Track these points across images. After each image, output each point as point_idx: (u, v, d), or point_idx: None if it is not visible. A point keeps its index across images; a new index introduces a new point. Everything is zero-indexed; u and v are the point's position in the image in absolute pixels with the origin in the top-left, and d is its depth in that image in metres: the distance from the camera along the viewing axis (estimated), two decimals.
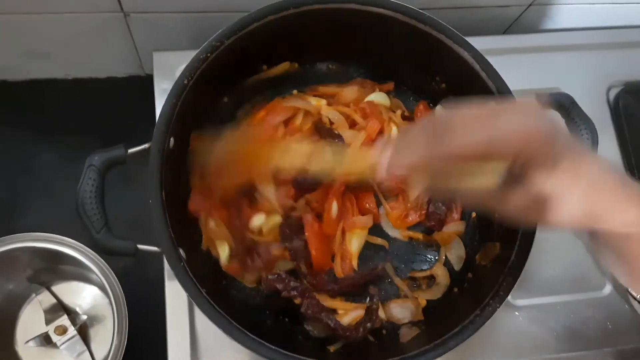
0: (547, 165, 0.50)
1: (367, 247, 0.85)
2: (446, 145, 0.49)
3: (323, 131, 0.81)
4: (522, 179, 0.51)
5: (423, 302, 0.82)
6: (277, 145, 0.67)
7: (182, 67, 0.73)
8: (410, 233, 0.86)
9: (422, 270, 0.85)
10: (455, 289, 0.82)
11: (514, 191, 0.52)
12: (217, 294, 0.72)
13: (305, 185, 0.77)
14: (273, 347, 0.66)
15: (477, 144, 0.48)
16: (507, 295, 0.70)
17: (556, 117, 0.77)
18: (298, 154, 0.64)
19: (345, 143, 0.80)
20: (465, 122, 0.50)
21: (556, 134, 0.50)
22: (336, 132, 0.81)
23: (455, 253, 0.84)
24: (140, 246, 0.68)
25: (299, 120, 0.85)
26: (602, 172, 0.52)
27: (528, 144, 0.49)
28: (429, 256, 0.86)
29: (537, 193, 0.51)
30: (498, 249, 0.77)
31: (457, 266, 0.84)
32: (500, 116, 0.49)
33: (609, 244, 0.57)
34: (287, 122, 0.85)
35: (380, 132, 0.83)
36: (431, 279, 0.85)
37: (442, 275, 0.84)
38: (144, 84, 1.00)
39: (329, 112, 0.85)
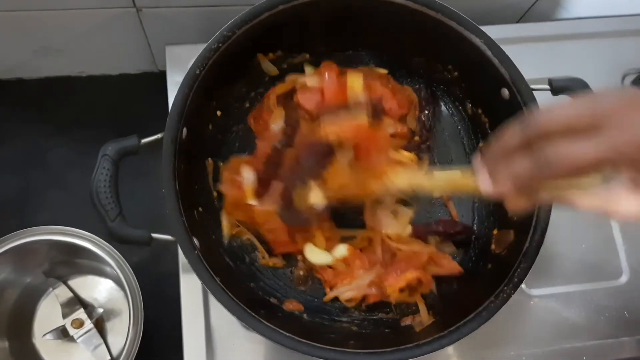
0: None
1: None
2: (550, 166, 0.44)
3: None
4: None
5: None
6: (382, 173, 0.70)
7: None
8: None
9: None
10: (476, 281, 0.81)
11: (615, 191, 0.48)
12: (231, 284, 0.73)
13: None
14: (287, 335, 0.66)
15: (586, 162, 0.43)
16: (521, 282, 0.70)
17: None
18: (400, 179, 0.68)
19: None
20: (567, 137, 0.43)
21: None
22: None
23: None
24: (154, 235, 0.68)
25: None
26: None
27: None
28: None
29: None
30: (512, 236, 0.76)
31: None
32: (613, 122, 0.42)
33: None
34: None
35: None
36: None
37: None
38: (157, 81, 1.01)
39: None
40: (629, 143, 0.42)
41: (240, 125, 0.87)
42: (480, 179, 0.53)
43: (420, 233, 0.82)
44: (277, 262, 0.82)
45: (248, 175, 0.77)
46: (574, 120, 0.44)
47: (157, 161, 0.70)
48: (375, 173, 0.70)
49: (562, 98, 0.75)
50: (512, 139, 0.48)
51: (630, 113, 0.42)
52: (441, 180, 0.64)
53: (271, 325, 0.67)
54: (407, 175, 0.68)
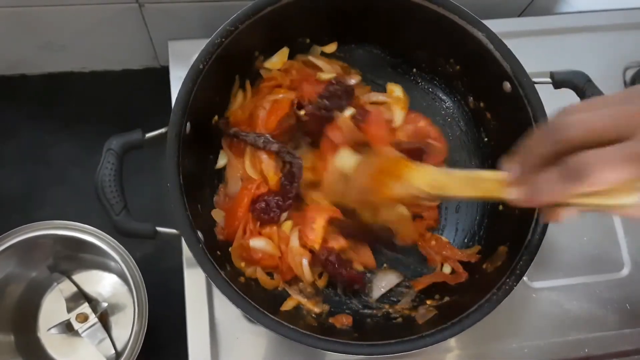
0: None
1: None
2: (580, 177, 0.43)
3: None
4: None
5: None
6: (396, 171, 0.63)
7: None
8: None
9: None
10: (476, 276, 0.81)
11: None
12: (235, 279, 0.73)
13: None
14: (291, 327, 0.67)
15: (614, 174, 0.42)
16: (523, 274, 0.70)
17: (570, 96, 0.76)
18: (420, 177, 0.61)
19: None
20: (594, 146, 0.43)
21: None
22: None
23: None
24: (159, 228, 0.68)
25: None
26: None
27: None
28: None
29: None
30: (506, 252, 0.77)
31: None
32: None
33: None
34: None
35: None
36: None
37: None
38: (159, 76, 1.01)
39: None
40: None
41: None
42: (510, 187, 0.52)
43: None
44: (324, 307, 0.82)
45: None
46: (600, 128, 0.43)
47: (161, 156, 0.70)
48: (394, 175, 0.63)
49: (564, 92, 0.76)
50: (539, 147, 0.47)
51: None
52: (469, 181, 0.58)
53: (275, 318, 0.67)
54: (427, 173, 0.61)
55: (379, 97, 0.89)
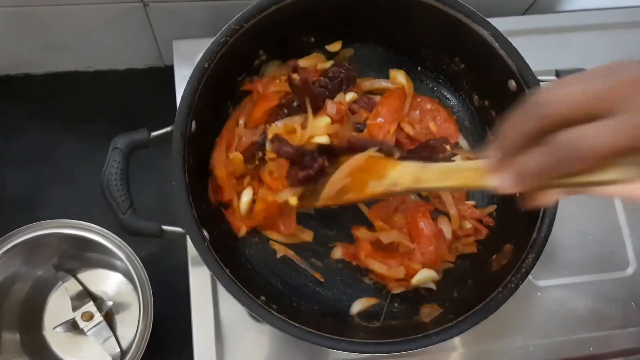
0: None
1: None
2: (567, 158, 0.41)
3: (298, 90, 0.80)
4: None
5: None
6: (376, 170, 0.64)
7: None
8: None
9: None
10: (482, 273, 0.81)
11: None
12: (240, 277, 0.73)
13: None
14: (297, 325, 0.67)
15: (604, 151, 0.40)
16: (529, 273, 0.70)
17: None
18: (400, 175, 0.62)
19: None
20: (579, 123, 0.40)
21: None
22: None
23: None
24: (165, 227, 0.69)
25: None
26: None
27: None
28: None
29: None
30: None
31: None
32: (629, 103, 0.40)
33: None
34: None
35: None
36: None
37: None
38: (164, 75, 1.02)
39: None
40: None
41: None
42: (493, 174, 0.48)
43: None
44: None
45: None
46: (584, 102, 0.41)
47: (166, 154, 0.70)
48: (374, 173, 0.64)
49: None
50: (521, 127, 0.44)
51: None
52: (448, 172, 0.57)
53: (281, 316, 0.68)
54: (407, 169, 0.62)
55: (381, 83, 0.89)
